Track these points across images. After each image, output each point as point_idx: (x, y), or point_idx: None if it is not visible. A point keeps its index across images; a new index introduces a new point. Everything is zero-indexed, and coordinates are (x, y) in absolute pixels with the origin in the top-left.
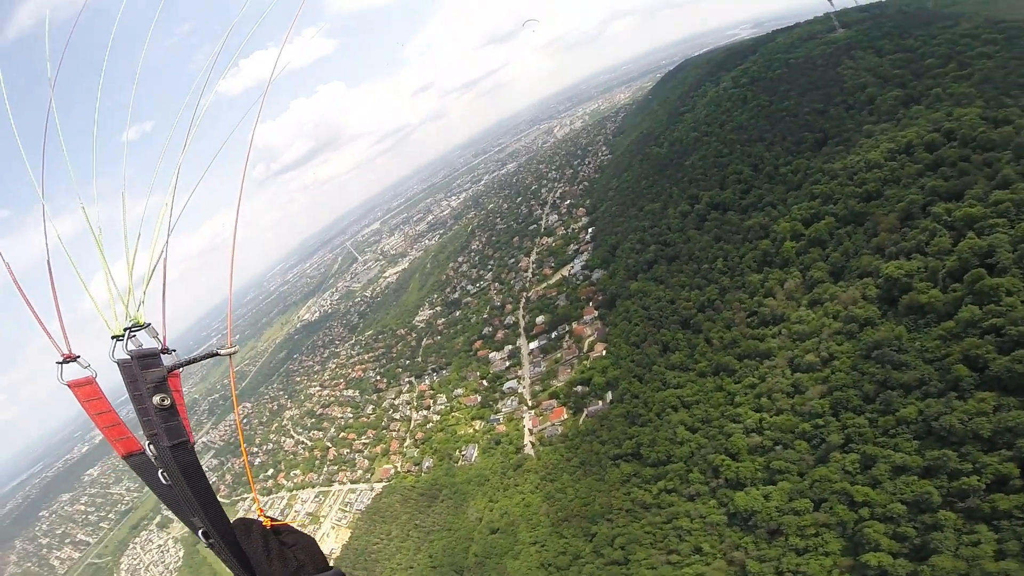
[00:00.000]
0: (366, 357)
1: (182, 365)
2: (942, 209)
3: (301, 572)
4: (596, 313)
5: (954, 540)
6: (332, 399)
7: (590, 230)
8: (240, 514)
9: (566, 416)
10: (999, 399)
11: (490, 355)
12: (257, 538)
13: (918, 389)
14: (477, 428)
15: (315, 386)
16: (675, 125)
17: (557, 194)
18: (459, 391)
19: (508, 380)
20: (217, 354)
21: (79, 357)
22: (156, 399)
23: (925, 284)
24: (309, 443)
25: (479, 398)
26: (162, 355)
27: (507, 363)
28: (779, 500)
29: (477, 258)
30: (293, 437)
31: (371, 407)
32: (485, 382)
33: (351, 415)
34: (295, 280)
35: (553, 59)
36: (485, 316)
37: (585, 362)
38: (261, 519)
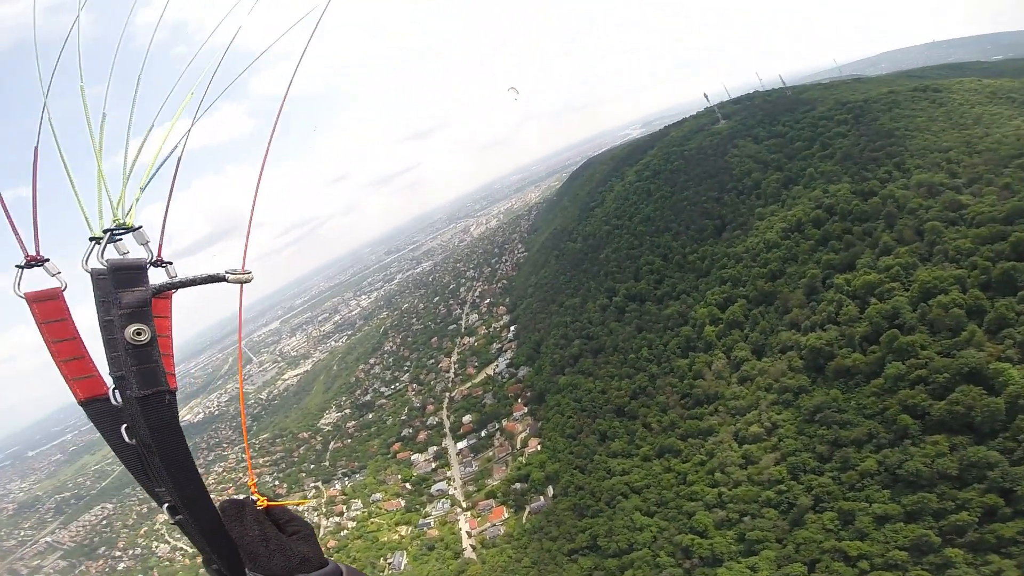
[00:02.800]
0: (261, 461)
1: (176, 286)
2: (842, 280)
3: (303, 567)
4: (526, 409)
5: (976, 573)
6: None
7: (512, 328)
8: None
9: (507, 515)
10: (950, 440)
11: (412, 457)
12: (252, 525)
13: (869, 443)
14: (404, 534)
15: None
16: (586, 220)
17: (476, 293)
18: (378, 495)
19: (436, 482)
20: (225, 279)
21: (48, 261)
22: (130, 331)
23: (846, 350)
24: (189, 550)
25: (403, 502)
26: (156, 268)
27: (433, 464)
28: (768, 570)
29: (391, 359)
30: (169, 543)
31: None
32: (409, 485)
33: None
34: (176, 379)
35: (469, 158)
36: (403, 417)
37: (520, 458)
38: (255, 498)
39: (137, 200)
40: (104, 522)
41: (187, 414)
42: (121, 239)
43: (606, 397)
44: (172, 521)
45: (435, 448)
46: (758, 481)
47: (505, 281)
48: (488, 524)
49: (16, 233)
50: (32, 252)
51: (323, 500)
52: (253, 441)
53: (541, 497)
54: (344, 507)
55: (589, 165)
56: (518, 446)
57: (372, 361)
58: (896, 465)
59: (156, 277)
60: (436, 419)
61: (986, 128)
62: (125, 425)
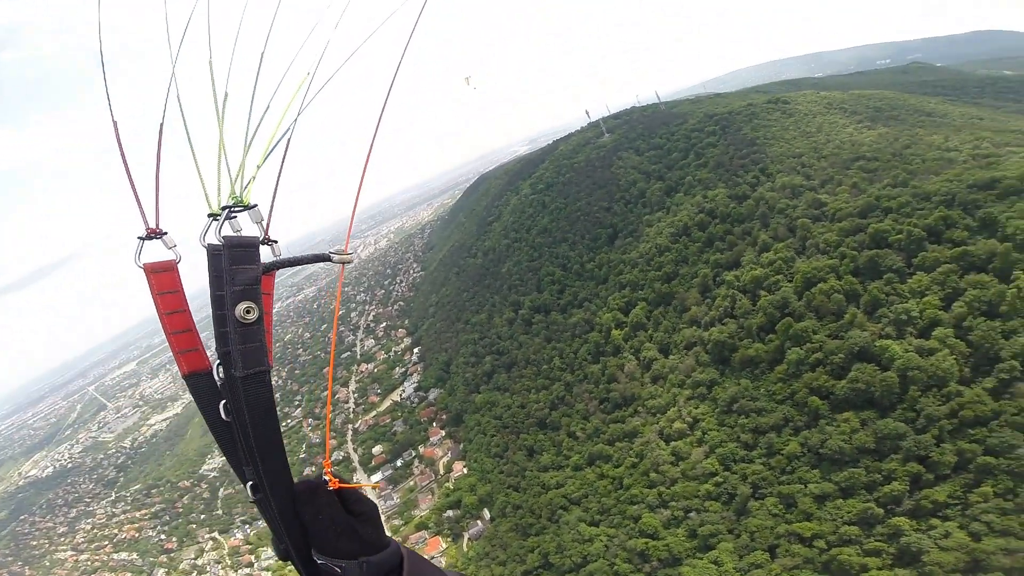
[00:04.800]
0: (138, 515)
1: (285, 265)
2: (731, 277)
3: (366, 549)
4: (443, 432)
5: (929, 538)
6: (98, 564)
7: (416, 350)
8: None
9: (445, 545)
10: (858, 415)
11: None
12: (324, 508)
13: (786, 426)
14: None
15: (65, 550)
16: (485, 235)
17: (370, 317)
18: None
19: None
20: (329, 259)
21: (166, 234)
22: (241, 309)
23: (746, 341)
24: None
25: None
26: (263, 246)
27: None
28: (731, 562)
29: (279, 395)
30: None
31: (163, 571)
32: None
33: None
34: (11, 432)
35: (354, 177)
36: (303, 456)
37: (448, 484)
38: (327, 478)
39: (254, 179)
40: None
41: (32, 468)
42: (236, 217)
43: (526, 411)
44: (252, 499)
45: None
46: (693, 476)
47: (402, 303)
48: (427, 557)
49: (140, 206)
50: (152, 225)
51: (225, 552)
52: (123, 494)
53: (478, 521)
54: (253, 557)
55: (483, 180)
56: (441, 472)
57: None
58: (818, 445)
59: (264, 255)
60: (342, 454)
61: (827, 135)
62: (223, 402)
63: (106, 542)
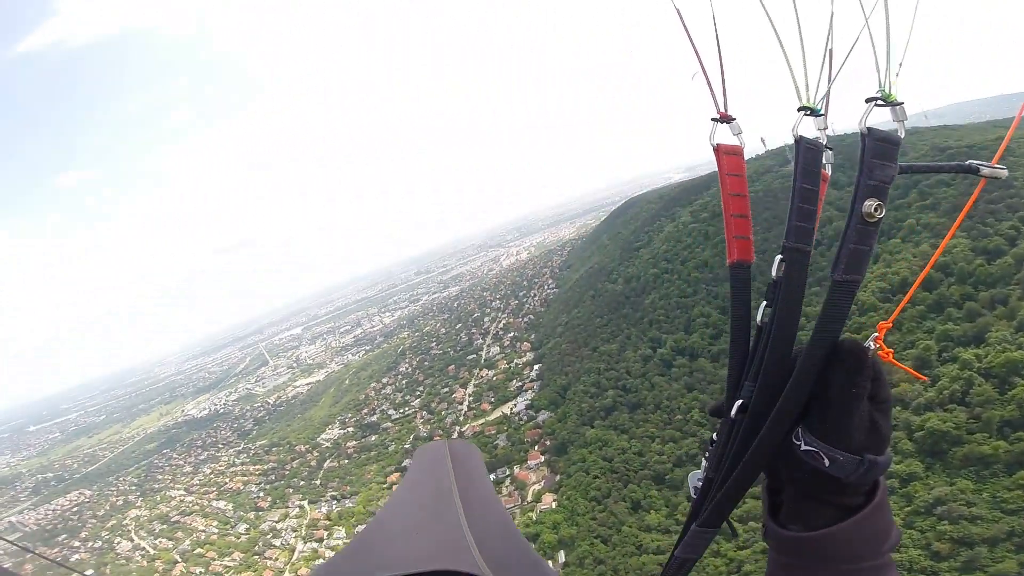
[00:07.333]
0: (251, 468)
1: (920, 170)
2: (971, 355)
3: (873, 446)
4: (543, 459)
5: None
6: (196, 507)
7: (536, 367)
8: None
9: None
10: None
11: None
12: (862, 383)
13: (1008, 540)
14: None
15: (179, 489)
16: (630, 261)
17: (500, 324)
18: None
19: None
20: (977, 171)
21: (735, 120)
22: (871, 205)
23: (981, 435)
24: (152, 551)
25: None
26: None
27: None
28: None
29: (405, 382)
30: (132, 540)
31: (245, 526)
32: None
33: (216, 530)
34: (192, 371)
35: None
36: (407, 446)
37: (531, 513)
38: (878, 345)
39: (897, 75)
40: (76, 508)
41: (192, 408)
42: (822, 115)
43: (643, 460)
44: (729, 418)
45: None
46: None
47: (532, 316)
48: None
49: (711, 90)
50: (723, 110)
51: (305, 521)
52: (249, 446)
53: (550, 562)
54: (326, 533)
55: (632, 204)
56: (529, 498)
57: (385, 380)
58: None
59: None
60: None
61: None
62: (765, 304)
63: (213, 488)
